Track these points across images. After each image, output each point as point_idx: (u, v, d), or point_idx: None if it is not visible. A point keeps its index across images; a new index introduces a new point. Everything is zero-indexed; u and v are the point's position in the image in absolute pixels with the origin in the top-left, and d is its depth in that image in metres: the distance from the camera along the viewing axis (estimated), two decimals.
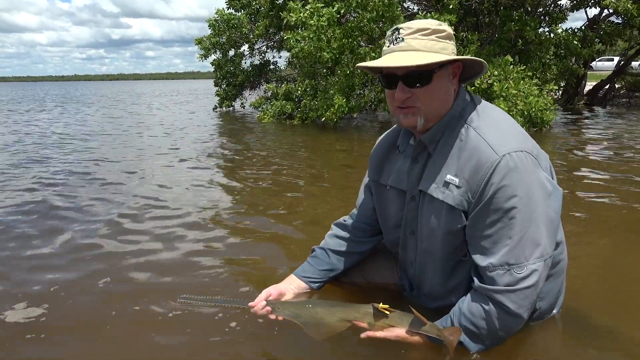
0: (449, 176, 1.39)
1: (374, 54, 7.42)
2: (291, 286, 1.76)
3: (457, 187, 1.37)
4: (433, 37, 1.36)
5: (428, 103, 1.39)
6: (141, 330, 1.71)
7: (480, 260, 1.36)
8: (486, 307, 1.35)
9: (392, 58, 1.36)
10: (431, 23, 1.38)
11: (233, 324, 1.70)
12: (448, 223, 1.41)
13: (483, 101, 1.50)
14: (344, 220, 1.84)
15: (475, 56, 7.48)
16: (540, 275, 1.34)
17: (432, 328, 1.39)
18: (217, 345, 1.60)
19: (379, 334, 1.45)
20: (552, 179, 1.42)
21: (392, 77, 1.39)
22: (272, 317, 1.58)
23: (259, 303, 1.62)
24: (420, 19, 7.32)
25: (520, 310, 1.34)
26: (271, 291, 1.69)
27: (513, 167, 1.30)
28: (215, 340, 1.62)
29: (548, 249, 1.35)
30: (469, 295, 1.42)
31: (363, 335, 1.45)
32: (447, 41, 1.39)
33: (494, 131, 1.37)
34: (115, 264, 2.32)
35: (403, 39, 1.36)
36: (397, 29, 1.38)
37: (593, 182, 3.98)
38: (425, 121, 1.42)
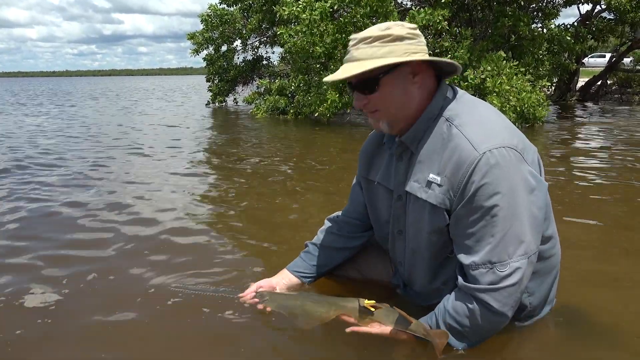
0: (431, 175, 1.38)
1: None
2: (283, 280, 1.76)
3: (439, 185, 1.36)
4: (375, 43, 1.35)
5: (384, 107, 1.41)
6: (132, 317, 1.73)
7: (464, 258, 1.35)
8: (470, 305, 1.34)
9: (341, 70, 1.40)
10: (379, 28, 1.37)
11: (222, 314, 1.71)
12: (432, 222, 1.41)
13: (468, 96, 1.47)
14: (337, 216, 1.84)
15: (469, 52, 7.49)
16: (524, 272, 1.32)
17: (419, 327, 1.39)
18: (204, 334, 1.60)
19: (364, 328, 1.45)
20: (540, 173, 1.41)
21: (350, 85, 1.43)
22: (260, 307, 1.61)
23: (248, 294, 1.65)
24: (413, 14, 7.35)
25: (504, 309, 1.33)
26: (262, 284, 1.71)
27: (494, 164, 1.28)
28: (203, 329, 1.63)
29: (532, 246, 1.33)
30: (453, 293, 1.41)
31: (348, 329, 1.45)
32: (396, 43, 1.34)
33: (476, 128, 1.34)
34: (110, 254, 2.33)
35: (349, 51, 1.39)
36: (349, 40, 1.42)
37: (585, 176, 3.99)
38: (389, 125, 1.43)
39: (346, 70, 1.37)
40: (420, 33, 1.41)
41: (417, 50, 1.37)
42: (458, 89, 1.49)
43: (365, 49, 1.36)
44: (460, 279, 1.38)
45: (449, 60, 1.40)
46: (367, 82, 1.38)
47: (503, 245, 1.30)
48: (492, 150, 1.29)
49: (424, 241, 1.46)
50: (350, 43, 1.40)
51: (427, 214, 1.41)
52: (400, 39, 1.36)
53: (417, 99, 1.41)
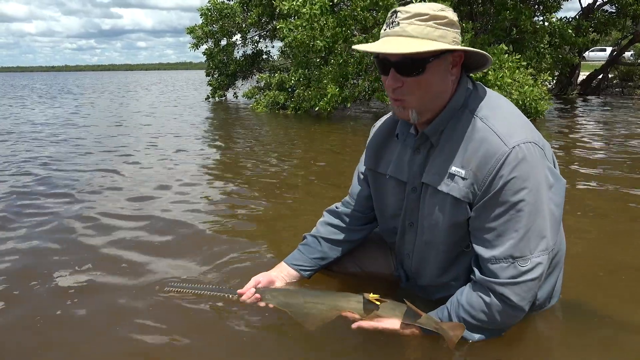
0: (454, 168, 1.34)
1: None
2: (281, 274, 1.72)
3: (463, 178, 1.32)
4: (431, 23, 1.26)
5: (420, 95, 1.32)
6: (128, 317, 1.69)
7: (483, 252, 1.32)
8: (487, 299, 1.32)
9: (384, 43, 1.29)
10: (432, 8, 1.28)
11: (221, 312, 1.67)
12: (453, 215, 1.37)
13: (487, 89, 1.44)
14: (337, 208, 1.79)
15: (470, 46, 7.47)
16: (544, 268, 1.31)
17: (429, 321, 1.35)
18: (204, 335, 1.56)
19: (370, 324, 1.41)
20: (555, 169, 1.39)
21: (386, 63, 1.32)
22: (262, 304, 1.57)
23: (247, 291, 1.60)
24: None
25: (522, 303, 1.31)
26: (260, 279, 1.66)
27: (522, 159, 1.25)
28: (202, 329, 1.59)
29: (551, 242, 1.32)
30: (467, 286, 1.38)
31: (354, 325, 1.41)
32: (448, 28, 1.29)
33: (502, 121, 1.31)
34: (106, 249, 2.32)
35: (399, 24, 1.28)
36: (396, 12, 1.30)
37: (587, 169, 3.97)
38: (418, 115, 1.35)
39: (400, 45, 1.25)
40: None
41: (460, 40, 1.33)
42: (477, 82, 1.45)
43: (421, 27, 1.26)
44: (476, 272, 1.34)
45: (486, 54, 1.36)
46: (413, 63, 1.28)
47: (526, 241, 1.28)
48: (520, 145, 1.26)
49: (441, 234, 1.42)
50: (400, 15, 1.28)
51: (448, 207, 1.37)
52: (451, 24, 1.30)
53: (450, 91, 1.36)
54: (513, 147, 1.26)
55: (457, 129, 1.36)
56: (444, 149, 1.37)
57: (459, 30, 1.35)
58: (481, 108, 1.35)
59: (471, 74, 1.47)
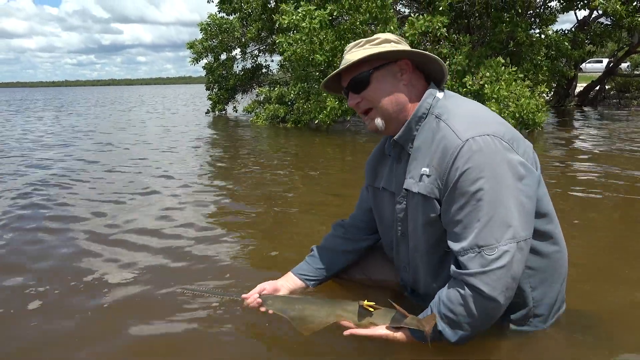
0: (423, 169, 1.42)
1: None
2: (287, 283, 1.78)
3: (428, 176, 1.40)
4: (366, 46, 1.49)
5: (377, 103, 1.49)
6: (137, 315, 1.80)
7: (454, 245, 1.36)
8: (462, 292, 1.34)
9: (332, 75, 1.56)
10: (368, 37, 1.53)
11: (224, 315, 1.77)
12: (425, 214, 1.43)
13: (458, 96, 1.53)
14: (342, 221, 1.89)
15: (467, 58, 7.52)
16: (512, 256, 1.30)
17: (412, 320, 1.40)
18: (205, 334, 1.65)
19: (362, 331, 1.46)
20: (536, 168, 1.42)
21: (344, 89, 1.56)
22: (263, 309, 1.64)
23: (251, 296, 1.68)
24: (412, 21, 7.39)
25: (494, 293, 1.31)
26: (266, 286, 1.73)
27: (476, 150, 1.31)
28: (204, 329, 1.68)
29: (521, 232, 1.32)
30: (448, 283, 1.41)
31: (346, 332, 1.46)
32: (383, 45, 1.48)
33: (460, 119, 1.39)
34: (115, 256, 2.40)
35: (343, 57, 1.53)
36: (343, 51, 1.56)
37: (587, 180, 4.01)
38: (384, 121, 1.51)
39: (339, 69, 1.50)
40: (404, 41, 1.55)
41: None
42: (450, 91, 1.55)
43: (357, 51, 1.49)
44: (452, 267, 1.38)
45: (425, 52, 1.49)
46: (360, 79, 1.49)
47: (489, 229, 1.30)
48: (475, 137, 1.33)
49: (420, 235, 1.48)
50: (345, 52, 1.53)
51: (420, 206, 1.44)
52: (387, 41, 1.50)
53: (406, 97, 1.50)
54: (467, 140, 1.32)
55: (425, 134, 1.46)
56: (417, 154, 1.47)
57: (401, 44, 1.52)
58: (445, 112, 1.44)
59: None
